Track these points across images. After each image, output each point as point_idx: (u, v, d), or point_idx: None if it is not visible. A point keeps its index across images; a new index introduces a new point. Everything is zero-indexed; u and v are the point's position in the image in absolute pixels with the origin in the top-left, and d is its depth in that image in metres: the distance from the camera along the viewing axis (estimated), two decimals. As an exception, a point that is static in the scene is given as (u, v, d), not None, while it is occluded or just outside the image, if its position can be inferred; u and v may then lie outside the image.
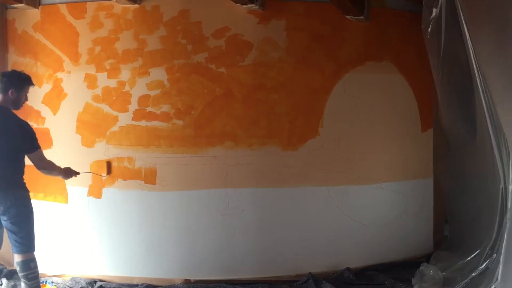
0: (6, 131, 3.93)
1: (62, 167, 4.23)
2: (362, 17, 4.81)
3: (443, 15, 4.27)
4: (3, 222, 3.91)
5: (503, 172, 3.77)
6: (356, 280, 4.65)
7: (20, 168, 3.98)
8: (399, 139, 5.17)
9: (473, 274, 4.00)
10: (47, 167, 4.10)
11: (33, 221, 3.99)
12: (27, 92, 4.12)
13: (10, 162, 3.93)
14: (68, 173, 4.29)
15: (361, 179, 4.96)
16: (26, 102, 4.85)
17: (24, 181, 4.01)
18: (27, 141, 3.95)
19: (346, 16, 4.81)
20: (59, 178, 4.48)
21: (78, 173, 4.37)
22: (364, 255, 4.97)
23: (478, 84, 3.81)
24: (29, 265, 3.91)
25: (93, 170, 4.67)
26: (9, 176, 3.92)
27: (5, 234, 3.99)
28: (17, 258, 3.91)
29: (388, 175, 5.10)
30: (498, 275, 3.68)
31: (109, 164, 4.69)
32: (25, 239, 3.90)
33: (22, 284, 4.50)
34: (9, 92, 3.98)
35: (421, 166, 5.36)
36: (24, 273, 3.91)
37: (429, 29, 4.48)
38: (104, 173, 4.69)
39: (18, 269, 3.92)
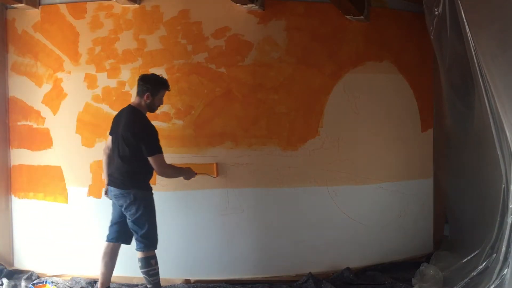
0: (132, 132, 4.02)
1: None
2: (362, 17, 4.81)
3: (447, 15, 4.27)
4: (127, 221, 4.07)
5: (505, 172, 3.77)
6: (356, 280, 4.65)
7: (145, 169, 4.07)
8: (399, 139, 5.16)
9: (473, 274, 4.00)
10: (167, 172, 4.18)
11: (153, 220, 4.10)
12: (163, 96, 4.19)
13: (134, 162, 4.03)
14: (189, 174, 4.35)
15: (361, 179, 4.96)
16: (26, 102, 4.89)
17: (149, 182, 4.13)
18: (147, 144, 4.01)
19: (346, 16, 4.81)
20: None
21: (196, 174, 4.41)
22: (364, 255, 4.97)
23: (481, 84, 3.81)
24: (150, 262, 4.07)
25: (206, 171, 4.64)
26: (133, 175, 4.05)
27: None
28: (138, 255, 4.07)
29: (388, 175, 5.10)
30: (496, 274, 3.69)
31: (217, 166, 4.68)
32: (145, 237, 4.05)
33: (23, 283, 4.53)
34: (145, 96, 4.08)
35: (421, 166, 5.35)
36: (145, 270, 4.07)
37: (431, 29, 4.47)
38: (214, 175, 4.67)
39: (139, 265, 4.07)
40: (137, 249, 4.07)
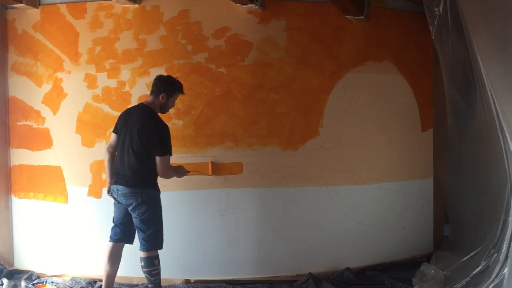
0: (148, 131, 4.02)
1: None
2: (362, 17, 4.81)
3: (448, 14, 4.27)
4: (133, 220, 4.05)
5: (509, 172, 3.76)
6: (356, 280, 4.65)
7: (155, 168, 4.05)
8: (399, 139, 5.17)
9: (474, 272, 4.00)
10: (169, 173, 4.16)
11: (161, 221, 4.10)
12: (176, 99, 4.23)
13: (147, 162, 4.02)
14: (181, 172, 4.33)
15: (361, 179, 4.96)
16: (26, 102, 4.90)
17: (157, 181, 4.11)
18: (161, 144, 4.02)
19: (346, 16, 4.81)
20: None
21: (188, 172, 4.39)
22: (364, 255, 4.98)
23: (485, 83, 3.81)
24: (153, 262, 4.05)
25: (199, 169, 4.62)
26: (144, 174, 4.03)
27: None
28: (141, 255, 4.05)
29: (388, 175, 5.10)
30: (496, 273, 3.70)
31: (213, 164, 4.67)
32: (151, 237, 4.03)
33: (22, 283, 4.53)
34: (160, 96, 4.10)
35: (421, 166, 5.36)
36: (148, 269, 4.05)
37: (432, 29, 4.47)
38: (209, 173, 4.66)
39: (142, 264, 4.05)
40: (141, 249, 4.04)
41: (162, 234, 4.10)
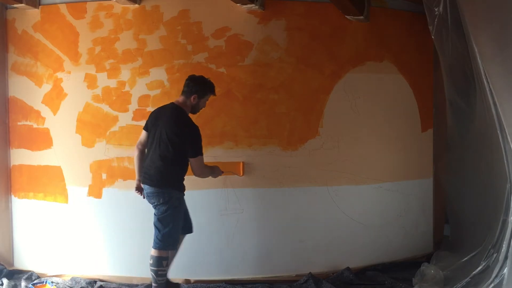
0: (178, 132, 4.02)
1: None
2: (362, 17, 4.81)
3: (448, 14, 4.28)
4: (154, 216, 4.07)
5: (509, 172, 3.76)
6: (356, 280, 4.65)
7: (183, 169, 4.08)
8: (399, 139, 5.17)
9: (474, 272, 4.00)
10: (205, 172, 4.18)
11: (178, 223, 4.10)
12: (207, 100, 4.23)
13: (175, 162, 4.03)
14: (217, 172, 4.35)
15: (361, 179, 4.96)
16: (26, 102, 4.90)
17: (183, 182, 4.12)
18: (192, 146, 4.01)
19: (346, 16, 4.81)
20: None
21: (223, 172, 4.40)
22: (364, 255, 4.97)
23: (485, 82, 3.81)
24: (162, 262, 4.05)
25: (232, 170, 4.62)
26: (170, 175, 4.03)
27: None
28: (152, 252, 4.06)
29: (388, 175, 5.10)
30: (496, 273, 3.70)
31: (244, 165, 4.68)
32: (165, 237, 4.03)
33: (22, 283, 4.53)
34: (192, 97, 4.10)
35: (421, 166, 5.36)
36: (155, 268, 4.05)
37: (432, 29, 4.47)
38: (240, 174, 4.67)
39: (150, 262, 4.06)
40: (153, 247, 4.06)
41: (176, 236, 4.11)
